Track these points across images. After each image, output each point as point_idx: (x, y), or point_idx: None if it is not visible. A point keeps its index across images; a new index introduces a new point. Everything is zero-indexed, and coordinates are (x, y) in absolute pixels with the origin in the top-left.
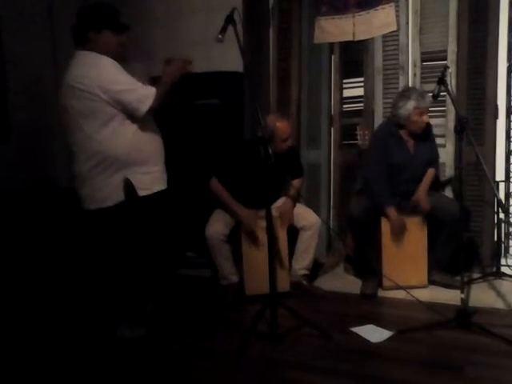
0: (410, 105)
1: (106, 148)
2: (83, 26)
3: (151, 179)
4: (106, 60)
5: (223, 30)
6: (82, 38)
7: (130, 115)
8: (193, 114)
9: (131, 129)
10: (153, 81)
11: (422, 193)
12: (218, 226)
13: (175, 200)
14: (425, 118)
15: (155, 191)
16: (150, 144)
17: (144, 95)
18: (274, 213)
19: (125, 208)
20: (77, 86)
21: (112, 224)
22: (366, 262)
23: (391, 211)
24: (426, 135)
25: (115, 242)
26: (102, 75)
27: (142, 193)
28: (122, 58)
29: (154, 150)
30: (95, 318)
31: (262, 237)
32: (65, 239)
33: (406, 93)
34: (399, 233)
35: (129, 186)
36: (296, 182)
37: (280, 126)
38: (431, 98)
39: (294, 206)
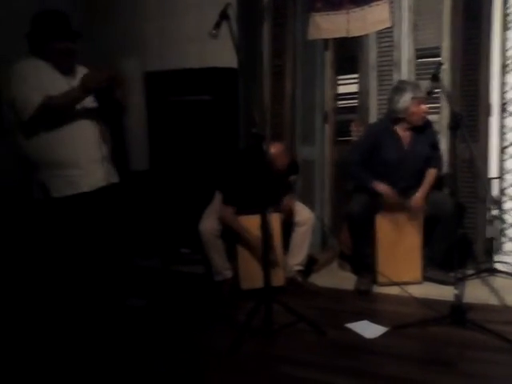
0: (406, 96)
1: (23, 150)
2: (32, 37)
3: (65, 183)
4: (21, 68)
5: (217, 25)
6: (35, 48)
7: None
8: (186, 110)
9: (43, 132)
10: None
11: (419, 198)
12: (211, 221)
13: (115, 202)
14: (423, 108)
15: (68, 194)
16: (67, 147)
17: (23, 104)
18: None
19: (43, 206)
20: None
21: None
22: (363, 258)
23: (379, 185)
24: (424, 132)
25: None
26: (8, 84)
27: (54, 194)
28: (69, 65)
29: (74, 154)
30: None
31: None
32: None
33: (401, 85)
34: (395, 203)
35: (43, 187)
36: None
37: (274, 152)
38: (427, 86)
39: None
